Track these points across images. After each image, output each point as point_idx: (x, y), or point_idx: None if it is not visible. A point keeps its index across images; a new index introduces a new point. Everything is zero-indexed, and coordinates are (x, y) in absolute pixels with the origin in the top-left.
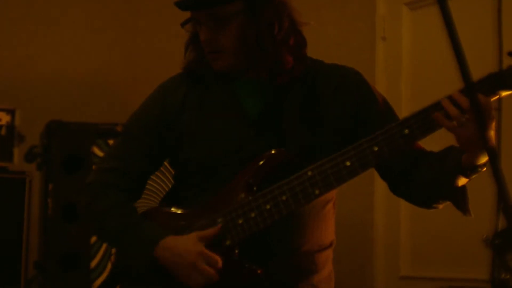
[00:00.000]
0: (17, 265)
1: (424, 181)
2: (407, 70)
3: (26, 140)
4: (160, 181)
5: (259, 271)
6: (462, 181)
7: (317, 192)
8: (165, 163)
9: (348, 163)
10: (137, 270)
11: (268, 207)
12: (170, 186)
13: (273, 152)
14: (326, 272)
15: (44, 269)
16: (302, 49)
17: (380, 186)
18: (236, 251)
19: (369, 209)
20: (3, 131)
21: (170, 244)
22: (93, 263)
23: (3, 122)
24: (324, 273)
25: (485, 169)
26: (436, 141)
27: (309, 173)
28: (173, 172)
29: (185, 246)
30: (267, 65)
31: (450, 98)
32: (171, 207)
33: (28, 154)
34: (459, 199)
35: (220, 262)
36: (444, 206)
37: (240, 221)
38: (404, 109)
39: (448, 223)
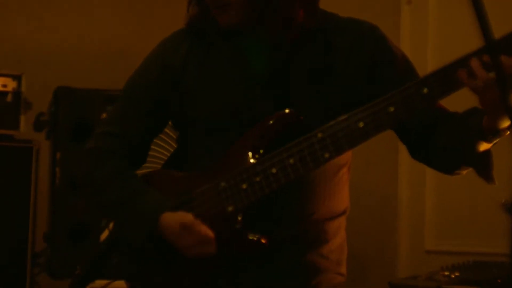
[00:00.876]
0: (24, 238)
1: (444, 145)
2: (433, 36)
3: (34, 107)
4: (165, 145)
5: (263, 241)
6: (484, 145)
7: (326, 155)
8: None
9: (361, 125)
10: (136, 242)
11: (274, 171)
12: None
13: (281, 112)
14: (338, 241)
15: (53, 241)
16: (315, 1)
17: (405, 156)
18: (239, 219)
19: (393, 181)
20: (9, 98)
21: (168, 221)
22: (104, 235)
23: (9, 88)
24: (335, 243)
25: (508, 133)
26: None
27: (319, 135)
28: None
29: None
30: (276, 19)
31: (476, 55)
32: (173, 170)
33: (36, 122)
34: (482, 165)
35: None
36: (471, 177)
37: (244, 186)
38: None
39: (475, 195)
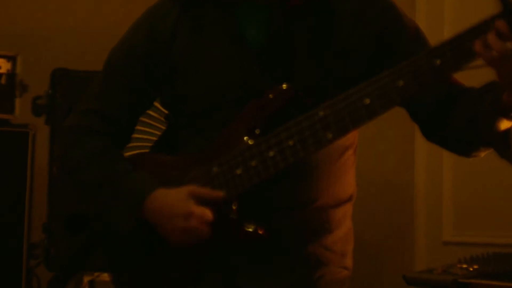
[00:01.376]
0: (20, 227)
1: (460, 123)
2: (449, 17)
3: (30, 90)
4: (154, 124)
5: (260, 231)
6: (504, 123)
7: (329, 136)
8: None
9: (367, 101)
10: (121, 230)
11: (271, 154)
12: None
13: (279, 88)
14: (343, 231)
15: (51, 231)
16: None
17: (421, 143)
18: (234, 207)
19: (410, 168)
20: (3, 80)
21: (157, 201)
22: None
23: (3, 70)
24: (339, 233)
25: None
26: None
27: (321, 113)
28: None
29: (171, 204)
30: None
31: (492, 22)
32: (161, 154)
33: (34, 107)
34: (503, 145)
35: (210, 216)
36: (491, 164)
37: (239, 171)
38: None
39: (496, 183)
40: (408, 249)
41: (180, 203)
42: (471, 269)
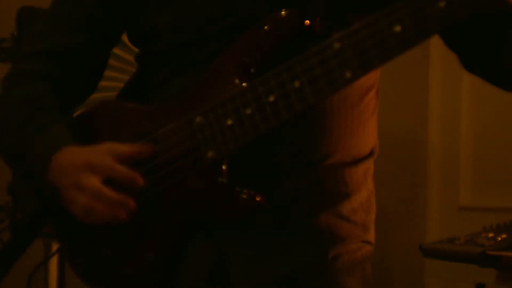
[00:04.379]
0: None
1: None
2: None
3: None
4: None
5: (258, 198)
6: None
7: (348, 75)
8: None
9: (397, 29)
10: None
11: (272, 99)
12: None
13: (278, 14)
14: (364, 195)
15: (16, 193)
16: None
17: (436, 94)
18: (224, 168)
19: (422, 125)
20: None
21: (65, 159)
22: None
23: None
24: (359, 198)
25: None
26: None
27: (336, 45)
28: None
29: (81, 160)
30: None
31: None
32: (130, 102)
33: None
34: None
35: (138, 181)
36: None
37: (230, 122)
38: None
39: None
40: (420, 215)
41: (95, 157)
42: (500, 239)
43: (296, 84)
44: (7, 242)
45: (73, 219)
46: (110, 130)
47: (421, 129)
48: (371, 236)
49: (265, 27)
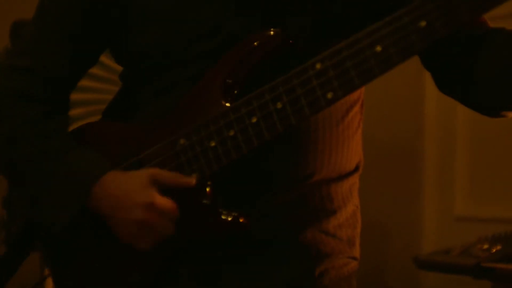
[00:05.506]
0: None
1: (490, 73)
2: None
3: None
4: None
5: (241, 220)
6: None
7: (329, 95)
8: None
9: (378, 49)
10: (61, 224)
11: (254, 120)
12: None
13: (262, 34)
14: (349, 210)
15: (11, 207)
16: None
17: (432, 102)
18: (208, 189)
19: (418, 134)
20: None
21: (108, 188)
22: None
23: None
24: (345, 213)
25: None
26: None
27: (318, 65)
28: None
29: (129, 191)
30: None
31: None
32: (115, 122)
33: None
34: None
35: (175, 209)
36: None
37: (213, 143)
38: None
39: None
40: (415, 224)
41: (138, 190)
42: (494, 250)
43: (278, 105)
44: (1, 256)
45: (64, 240)
46: (96, 151)
47: (417, 138)
48: (357, 251)
49: (248, 46)
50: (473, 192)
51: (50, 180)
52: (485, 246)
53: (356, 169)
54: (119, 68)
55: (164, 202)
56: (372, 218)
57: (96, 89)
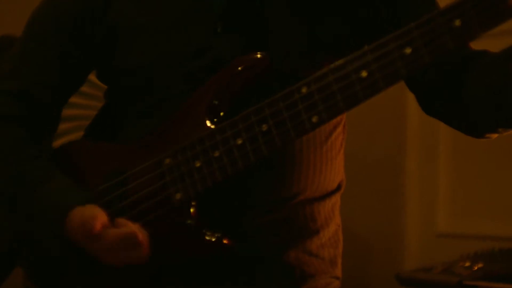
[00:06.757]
0: None
1: (476, 94)
2: None
3: None
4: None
5: (225, 241)
6: None
7: (315, 119)
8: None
9: (364, 74)
10: (45, 250)
11: (239, 142)
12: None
13: (248, 57)
14: (331, 229)
15: None
16: None
17: (414, 121)
18: (192, 210)
19: (400, 151)
20: None
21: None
22: None
23: None
24: (328, 233)
25: None
26: None
27: (304, 89)
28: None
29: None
30: None
31: None
32: (99, 141)
33: None
34: None
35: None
36: (494, 146)
37: (198, 164)
38: None
39: (498, 167)
40: (397, 241)
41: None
42: (476, 268)
43: (264, 127)
44: None
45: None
46: (79, 171)
47: (399, 155)
48: (339, 271)
49: (235, 69)
50: (455, 209)
51: (32, 209)
52: (467, 264)
53: (338, 188)
54: (103, 85)
55: (120, 231)
56: (354, 235)
57: (80, 105)
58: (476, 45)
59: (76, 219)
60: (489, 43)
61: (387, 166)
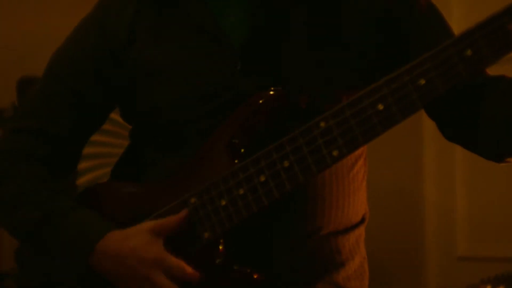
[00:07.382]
0: None
1: (495, 120)
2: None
3: None
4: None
5: (255, 276)
6: None
7: (335, 153)
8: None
9: (380, 107)
10: (64, 284)
11: (263, 179)
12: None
13: (266, 93)
14: (357, 262)
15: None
16: None
17: (430, 148)
18: (220, 248)
19: (418, 177)
20: None
21: (112, 246)
22: None
23: None
24: (354, 265)
25: None
26: None
27: (322, 124)
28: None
29: (134, 249)
30: None
31: None
32: (124, 182)
33: (0, 120)
34: None
35: (187, 270)
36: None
37: (224, 202)
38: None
39: None
40: (418, 266)
41: (144, 247)
42: None
43: (286, 163)
44: None
45: None
46: (106, 214)
47: (417, 180)
48: None
49: (251, 107)
50: (474, 232)
51: (54, 243)
52: (488, 287)
53: (362, 220)
54: (125, 123)
55: (173, 259)
56: (375, 262)
57: (102, 143)
58: (493, 70)
59: (110, 248)
60: (507, 68)
61: (405, 192)
